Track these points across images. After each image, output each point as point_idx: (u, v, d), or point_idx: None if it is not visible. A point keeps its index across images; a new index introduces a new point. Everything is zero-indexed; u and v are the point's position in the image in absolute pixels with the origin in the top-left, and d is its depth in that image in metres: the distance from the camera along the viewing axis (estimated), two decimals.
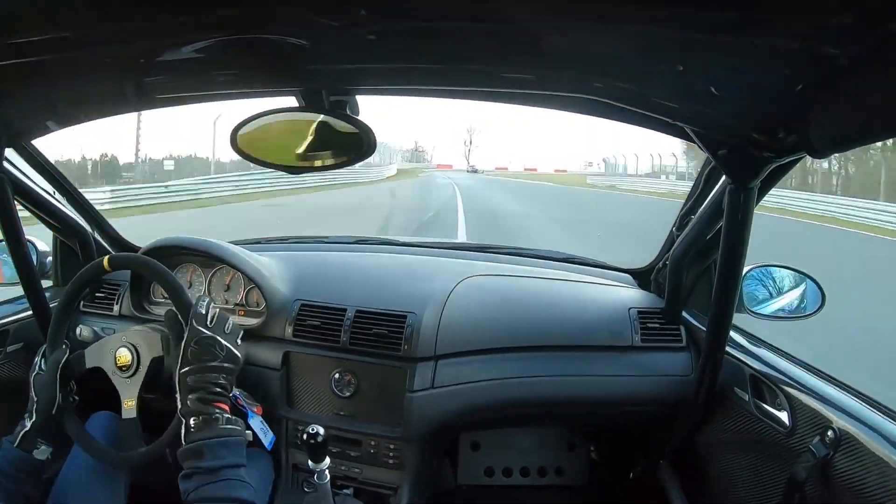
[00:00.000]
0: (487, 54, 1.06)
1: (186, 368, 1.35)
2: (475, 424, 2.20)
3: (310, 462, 1.58)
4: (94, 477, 1.62)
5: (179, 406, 1.35)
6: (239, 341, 1.48)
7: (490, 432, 2.46)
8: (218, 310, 1.48)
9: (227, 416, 1.34)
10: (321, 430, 1.54)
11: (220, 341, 1.40)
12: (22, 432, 1.47)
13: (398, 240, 2.70)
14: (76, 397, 1.63)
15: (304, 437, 1.53)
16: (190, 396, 1.32)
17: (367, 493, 1.95)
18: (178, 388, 1.36)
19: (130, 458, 1.55)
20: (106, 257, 1.61)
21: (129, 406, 1.58)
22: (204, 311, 1.43)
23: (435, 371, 1.88)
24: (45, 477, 1.53)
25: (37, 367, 1.58)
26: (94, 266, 1.63)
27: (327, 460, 1.58)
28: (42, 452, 1.49)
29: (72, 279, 1.67)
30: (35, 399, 1.51)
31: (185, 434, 1.33)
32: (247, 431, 1.40)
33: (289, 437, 1.99)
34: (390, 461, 1.91)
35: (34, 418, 1.49)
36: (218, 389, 1.35)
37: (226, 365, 1.39)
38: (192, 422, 1.31)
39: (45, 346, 1.61)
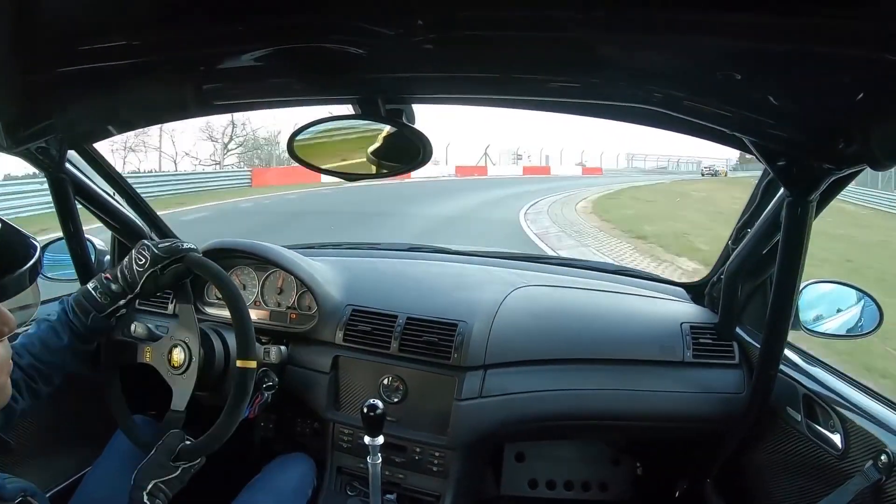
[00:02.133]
0: (541, 63, 1.05)
1: (164, 488, 1.44)
2: (521, 435, 2.18)
3: (366, 437, 1.58)
4: (126, 467, 1.68)
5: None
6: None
7: (535, 444, 2.44)
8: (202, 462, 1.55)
9: None
10: (379, 404, 1.55)
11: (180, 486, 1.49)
12: (113, 307, 1.56)
13: (450, 248, 2.70)
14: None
15: (364, 409, 1.54)
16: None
17: (411, 499, 1.95)
18: (145, 489, 1.42)
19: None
20: (187, 255, 1.64)
21: (180, 405, 1.64)
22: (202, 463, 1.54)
23: (483, 380, 1.87)
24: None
25: (157, 267, 1.61)
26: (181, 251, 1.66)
27: (381, 438, 1.59)
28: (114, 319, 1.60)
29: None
30: (138, 290, 1.59)
31: None
32: None
33: (335, 440, 2.01)
34: (434, 468, 1.91)
35: (126, 300, 1.59)
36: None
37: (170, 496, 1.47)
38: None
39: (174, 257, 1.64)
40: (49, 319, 1.51)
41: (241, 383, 1.55)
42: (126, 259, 1.61)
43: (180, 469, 1.45)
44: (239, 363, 1.56)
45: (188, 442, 1.52)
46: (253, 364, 1.57)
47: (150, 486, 1.39)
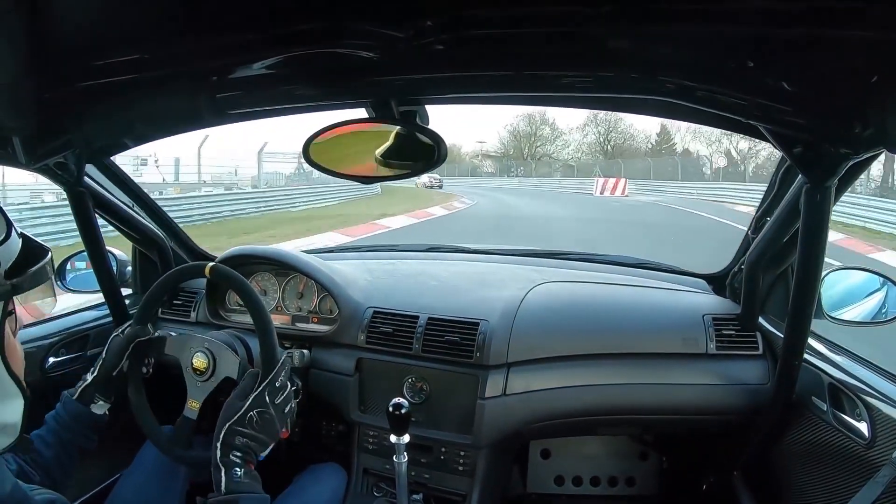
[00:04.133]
0: (553, 59, 1.06)
1: (239, 429, 1.37)
2: (546, 432, 2.18)
3: (392, 437, 1.58)
4: (154, 476, 1.71)
5: (219, 455, 1.35)
6: (287, 411, 1.48)
7: (560, 440, 2.44)
8: (289, 386, 1.50)
9: (254, 473, 1.36)
10: (405, 402, 1.55)
11: (276, 422, 1.43)
12: (82, 386, 1.57)
13: (469, 247, 2.71)
14: (150, 370, 1.73)
15: (389, 408, 1.55)
16: (235, 453, 1.34)
17: (437, 499, 1.95)
18: (219, 438, 1.37)
19: (196, 457, 1.62)
20: (209, 265, 1.65)
21: (193, 407, 1.66)
22: (278, 385, 1.46)
23: (507, 378, 1.87)
24: (102, 434, 1.61)
25: (118, 332, 1.68)
26: (198, 267, 1.70)
27: (407, 436, 1.59)
28: (99, 407, 1.57)
29: (175, 269, 1.78)
30: (102, 357, 1.62)
31: (224, 483, 1.34)
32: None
33: (361, 442, 2.01)
34: (460, 468, 1.91)
35: (95, 374, 1.59)
36: (255, 454, 1.38)
37: (269, 442, 1.42)
38: (223, 475, 1.33)
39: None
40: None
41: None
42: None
43: (251, 398, 1.40)
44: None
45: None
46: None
47: (223, 433, 1.35)
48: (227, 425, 1.36)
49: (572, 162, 58.26)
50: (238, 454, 1.34)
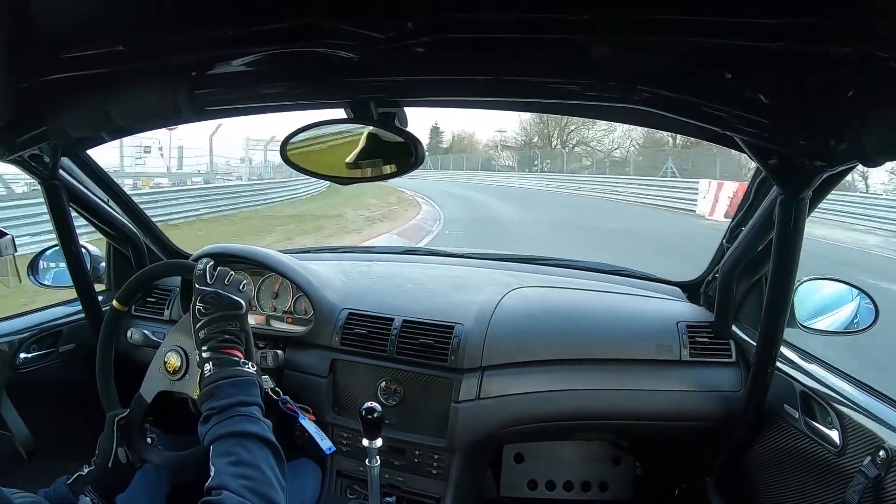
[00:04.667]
0: (533, 65, 1.06)
1: (198, 325, 1.38)
2: (520, 436, 2.19)
3: (364, 441, 1.59)
4: (135, 479, 1.68)
5: (198, 359, 1.38)
6: (242, 288, 1.48)
7: (534, 445, 2.45)
8: (215, 266, 1.49)
9: (236, 358, 1.35)
10: (377, 406, 1.56)
11: (220, 293, 1.42)
12: (76, 475, 1.51)
13: (445, 250, 2.71)
14: (152, 437, 1.64)
15: (362, 412, 1.55)
16: (203, 347, 1.35)
17: (410, 502, 1.95)
18: (196, 345, 1.39)
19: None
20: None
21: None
22: (202, 271, 1.45)
23: (481, 382, 1.87)
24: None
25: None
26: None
27: (379, 440, 1.59)
28: (85, 502, 1.51)
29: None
30: (97, 452, 1.55)
31: (199, 380, 1.36)
32: (307, 425, 1.55)
33: (334, 444, 1.99)
34: (434, 471, 1.91)
35: (92, 467, 1.53)
36: (227, 336, 1.38)
37: (229, 312, 1.41)
38: (205, 368, 1.33)
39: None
40: None
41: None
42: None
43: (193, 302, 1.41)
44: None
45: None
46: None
47: (197, 346, 1.37)
48: (193, 336, 1.39)
49: (619, 154, 41.70)
50: (207, 346, 1.35)
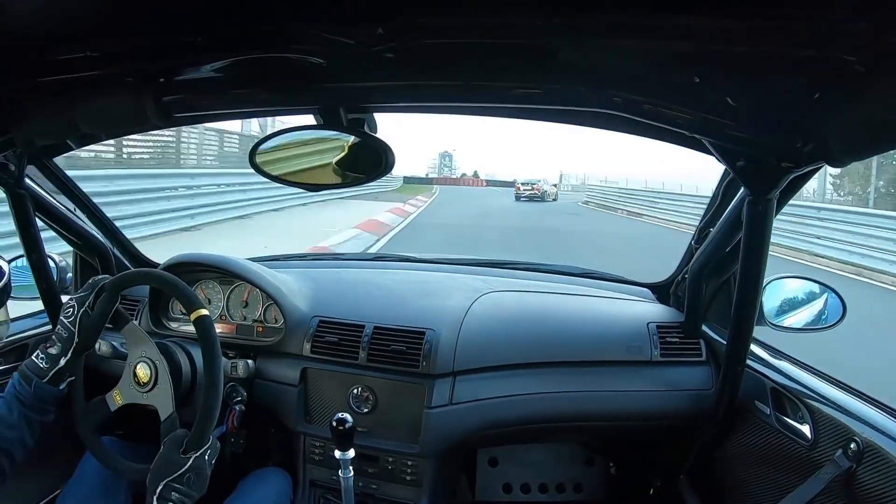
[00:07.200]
0: (503, 70, 1.06)
1: (177, 485, 1.33)
2: (493, 440, 2.19)
3: (336, 452, 1.58)
4: (96, 489, 1.66)
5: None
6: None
7: (508, 448, 2.45)
8: (217, 444, 1.46)
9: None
10: (349, 418, 1.55)
11: (206, 479, 1.40)
12: (54, 369, 1.47)
13: (416, 256, 2.70)
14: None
15: (333, 423, 1.54)
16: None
17: None
18: (155, 493, 1.33)
19: (138, 470, 1.53)
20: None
21: (117, 401, 1.58)
22: (219, 447, 1.44)
23: (453, 387, 1.87)
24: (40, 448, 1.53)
25: (85, 307, 1.52)
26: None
27: (352, 451, 1.59)
28: (65, 385, 1.51)
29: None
30: (76, 340, 1.50)
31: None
32: None
33: (306, 453, 1.98)
34: (408, 477, 1.90)
35: (68, 357, 1.49)
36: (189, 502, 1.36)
37: (198, 496, 1.38)
38: None
39: (95, 290, 1.55)
40: None
41: (204, 335, 1.47)
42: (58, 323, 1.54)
43: (192, 459, 1.35)
44: (192, 315, 1.47)
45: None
46: (204, 312, 1.48)
47: (160, 488, 1.31)
48: (164, 482, 1.32)
49: None
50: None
